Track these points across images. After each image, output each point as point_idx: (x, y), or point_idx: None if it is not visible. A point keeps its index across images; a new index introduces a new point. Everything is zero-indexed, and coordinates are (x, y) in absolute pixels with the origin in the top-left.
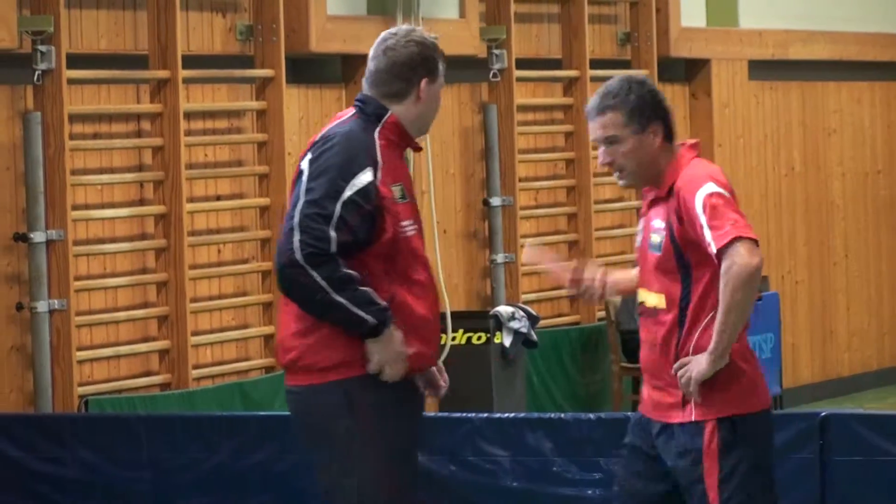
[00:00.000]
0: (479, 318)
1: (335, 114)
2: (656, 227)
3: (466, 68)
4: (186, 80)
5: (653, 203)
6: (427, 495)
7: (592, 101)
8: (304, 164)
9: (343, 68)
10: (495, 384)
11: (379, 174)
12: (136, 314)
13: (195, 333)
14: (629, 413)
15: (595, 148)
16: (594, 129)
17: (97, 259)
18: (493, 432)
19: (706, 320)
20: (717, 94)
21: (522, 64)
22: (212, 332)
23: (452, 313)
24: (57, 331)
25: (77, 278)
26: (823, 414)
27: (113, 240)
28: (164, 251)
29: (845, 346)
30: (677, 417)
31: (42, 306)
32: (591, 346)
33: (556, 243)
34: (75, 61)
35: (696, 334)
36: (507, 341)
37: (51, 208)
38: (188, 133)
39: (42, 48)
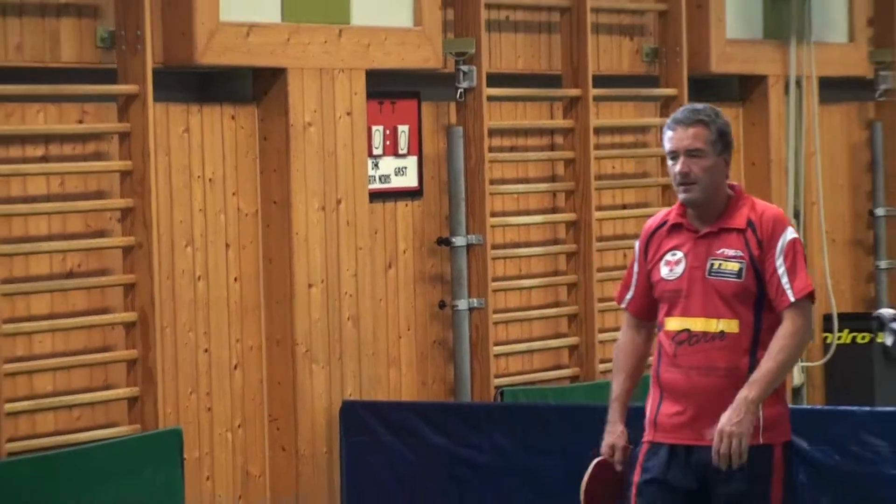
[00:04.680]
0: (863, 320)
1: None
2: (729, 254)
3: (854, 89)
4: (597, 98)
5: (710, 235)
6: (812, 483)
7: (681, 113)
8: None
9: (740, 88)
10: (877, 380)
11: None
12: (547, 312)
13: (602, 331)
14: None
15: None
16: (682, 138)
17: (513, 262)
18: (875, 425)
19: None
20: None
21: None
22: (616, 329)
23: (839, 314)
24: (476, 327)
25: (494, 279)
26: None
27: (527, 244)
28: (574, 255)
29: None
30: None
31: (462, 304)
32: None
33: None
34: (494, 80)
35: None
36: (889, 340)
37: (471, 215)
38: (597, 147)
39: (464, 68)
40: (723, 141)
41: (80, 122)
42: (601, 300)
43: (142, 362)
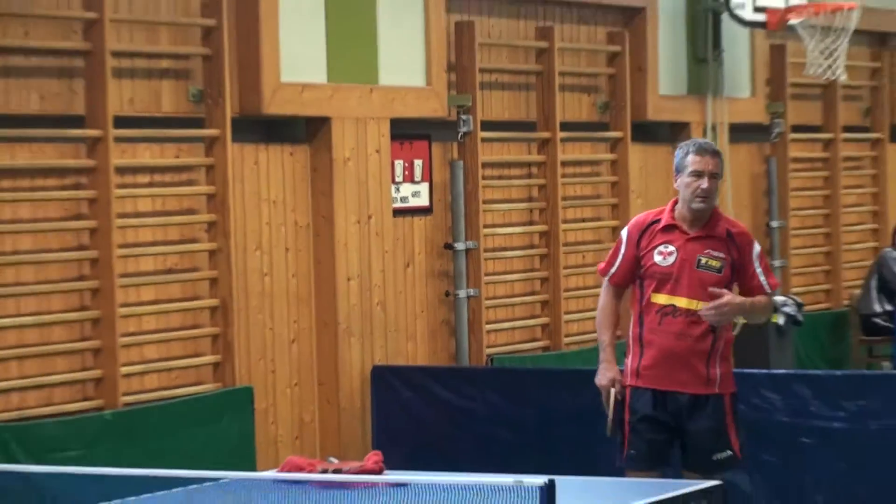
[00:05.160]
0: None
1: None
2: (714, 254)
3: (755, 132)
4: (563, 140)
5: (699, 237)
6: None
7: (705, 144)
8: None
9: (671, 132)
10: (772, 351)
11: None
12: (526, 300)
13: (566, 313)
14: (852, 371)
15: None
16: (709, 163)
17: (500, 261)
18: (770, 383)
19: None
20: None
21: (796, 129)
22: (578, 311)
23: None
24: (472, 310)
25: (486, 274)
26: None
27: (511, 248)
28: (545, 256)
29: None
30: (707, 390)
31: (462, 293)
32: (839, 324)
33: (813, 254)
34: (486, 126)
35: (724, 335)
36: (781, 321)
37: (469, 226)
38: (563, 175)
39: (464, 117)
40: (722, 170)
41: (177, 157)
42: (565, 290)
43: (223, 337)
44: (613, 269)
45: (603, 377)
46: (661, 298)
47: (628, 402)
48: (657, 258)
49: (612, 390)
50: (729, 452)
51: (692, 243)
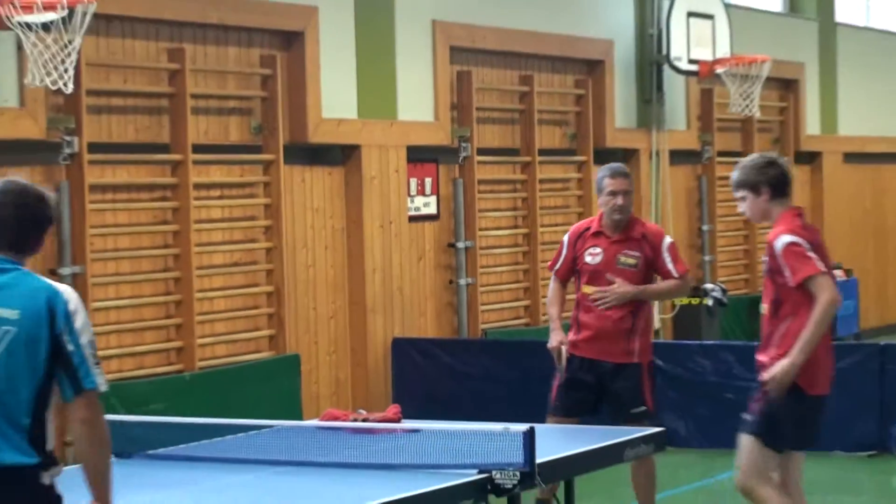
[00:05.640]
0: (695, 290)
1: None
2: (630, 254)
3: (685, 156)
4: (540, 162)
5: (619, 241)
6: (665, 384)
7: (617, 168)
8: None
9: (624, 156)
10: (703, 326)
11: None
12: (512, 286)
13: (543, 297)
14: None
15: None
16: (621, 184)
17: (492, 257)
18: (701, 352)
19: (644, 309)
20: None
21: (721, 154)
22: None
23: None
24: (470, 294)
25: (481, 267)
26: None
27: (500, 246)
28: (526, 253)
29: None
30: (627, 359)
31: (462, 281)
32: (755, 305)
33: (735, 251)
34: (481, 151)
35: (643, 317)
36: (710, 303)
37: (467, 229)
38: (541, 190)
39: (464, 144)
40: (633, 187)
41: (241, 176)
42: (542, 279)
43: (276, 315)
44: (558, 266)
45: (554, 340)
46: (591, 289)
47: (565, 368)
48: (588, 258)
49: (563, 348)
50: (643, 408)
51: (614, 245)
